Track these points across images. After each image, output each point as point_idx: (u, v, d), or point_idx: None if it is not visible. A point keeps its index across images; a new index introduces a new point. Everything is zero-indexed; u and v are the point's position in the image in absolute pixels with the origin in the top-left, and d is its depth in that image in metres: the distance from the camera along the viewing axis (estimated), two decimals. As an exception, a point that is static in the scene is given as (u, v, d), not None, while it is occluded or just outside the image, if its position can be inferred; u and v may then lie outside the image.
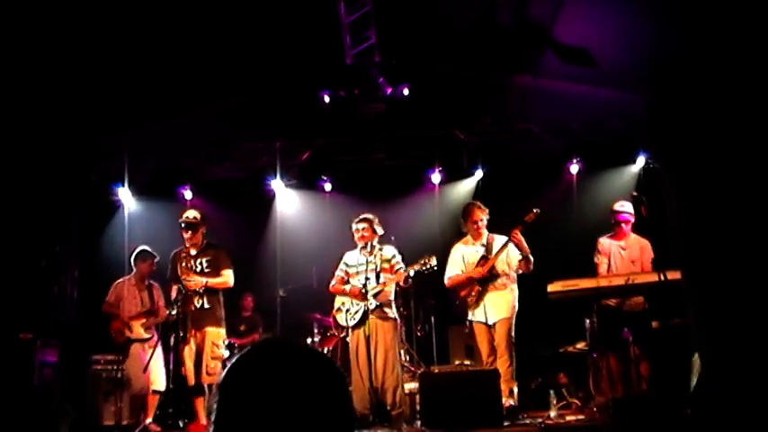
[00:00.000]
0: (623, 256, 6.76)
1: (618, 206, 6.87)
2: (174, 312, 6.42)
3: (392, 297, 6.54)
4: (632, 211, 6.78)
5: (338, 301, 6.69)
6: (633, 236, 6.83)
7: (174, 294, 6.45)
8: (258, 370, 1.27)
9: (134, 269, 7.37)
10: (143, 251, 7.35)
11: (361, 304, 6.35)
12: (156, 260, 7.33)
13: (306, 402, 1.23)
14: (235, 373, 1.30)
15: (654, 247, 6.65)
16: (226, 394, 1.26)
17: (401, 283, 6.50)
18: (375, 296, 6.30)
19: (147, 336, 7.17)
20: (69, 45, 6.52)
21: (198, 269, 6.47)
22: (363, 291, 6.30)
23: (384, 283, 6.35)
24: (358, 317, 6.39)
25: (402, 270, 6.42)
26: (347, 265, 6.71)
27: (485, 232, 6.67)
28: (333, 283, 6.76)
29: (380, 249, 6.54)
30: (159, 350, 7.08)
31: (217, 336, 6.46)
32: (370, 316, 6.25)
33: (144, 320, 7.19)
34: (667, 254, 6.04)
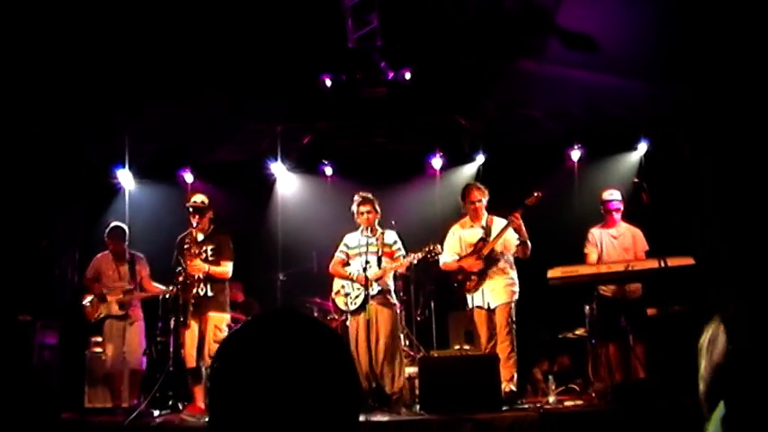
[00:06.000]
0: (615, 244, 6.75)
1: (607, 194, 6.84)
2: (171, 288, 6.44)
3: (391, 283, 6.55)
4: (621, 198, 6.77)
5: (337, 283, 6.68)
6: (624, 224, 6.81)
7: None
8: (257, 338, 1.22)
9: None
10: (113, 227, 7.36)
11: (362, 289, 6.34)
12: (124, 240, 7.29)
13: (307, 373, 1.18)
14: (233, 340, 1.26)
15: (657, 232, 6.61)
16: (223, 363, 1.22)
17: (402, 271, 6.51)
18: (376, 281, 6.30)
19: (121, 313, 7.05)
20: (68, 23, 6.47)
21: (203, 257, 6.44)
22: (365, 275, 6.29)
23: (385, 269, 6.34)
24: (359, 302, 6.38)
25: (403, 258, 6.41)
26: (348, 246, 6.70)
27: (484, 214, 6.63)
28: (332, 264, 6.75)
29: (382, 233, 6.53)
30: (141, 328, 7.05)
31: (220, 320, 6.41)
32: (371, 301, 6.25)
33: (120, 296, 7.09)
34: (669, 240, 6.03)
